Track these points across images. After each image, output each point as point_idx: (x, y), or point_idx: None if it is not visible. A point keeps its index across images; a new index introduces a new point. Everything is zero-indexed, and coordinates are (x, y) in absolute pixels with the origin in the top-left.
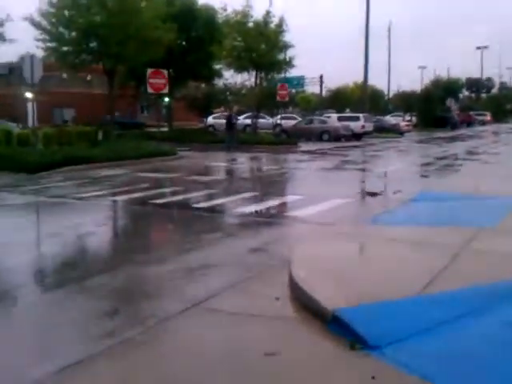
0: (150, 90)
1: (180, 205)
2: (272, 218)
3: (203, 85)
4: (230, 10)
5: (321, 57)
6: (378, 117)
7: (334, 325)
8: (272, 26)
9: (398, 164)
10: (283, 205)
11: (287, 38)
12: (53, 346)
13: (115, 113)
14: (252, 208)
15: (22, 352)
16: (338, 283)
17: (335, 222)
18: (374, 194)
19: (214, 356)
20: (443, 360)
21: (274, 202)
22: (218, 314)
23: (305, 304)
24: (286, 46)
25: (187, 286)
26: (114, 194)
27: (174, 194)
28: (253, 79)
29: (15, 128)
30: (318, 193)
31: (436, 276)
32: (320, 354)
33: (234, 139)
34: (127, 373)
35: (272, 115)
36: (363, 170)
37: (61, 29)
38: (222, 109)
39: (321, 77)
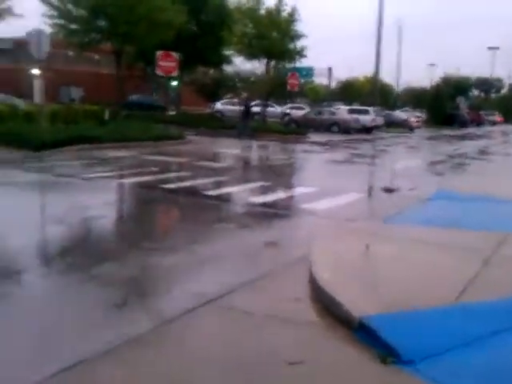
0: (159, 73)
1: (190, 191)
2: (286, 210)
3: (212, 71)
4: None
5: (330, 48)
6: (388, 111)
7: (361, 332)
8: (284, 14)
9: (411, 160)
10: (296, 197)
11: (299, 27)
12: (54, 342)
13: (137, 94)
14: (264, 198)
15: (19, 348)
16: (363, 287)
17: (353, 218)
18: (389, 190)
19: (230, 360)
20: (483, 380)
21: (286, 194)
22: (233, 314)
23: (328, 307)
24: (297, 36)
25: (200, 279)
26: (122, 176)
27: (183, 179)
28: (263, 67)
29: (22, 104)
30: (331, 186)
31: (468, 284)
32: (347, 366)
33: (248, 127)
34: (134, 376)
35: (280, 104)
36: (375, 164)
37: (69, 6)
38: (232, 95)
39: (330, 69)
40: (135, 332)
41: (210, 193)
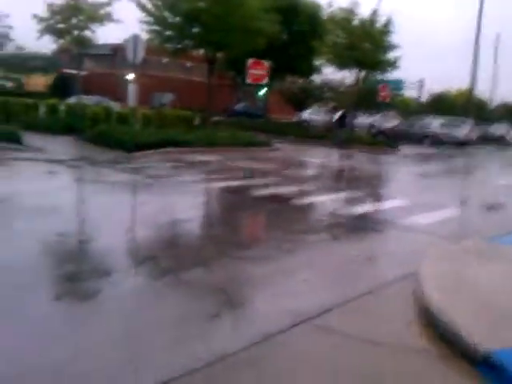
0: (249, 81)
1: (277, 198)
2: (378, 224)
3: (300, 80)
4: (335, 7)
5: (422, 59)
6: (482, 126)
7: (485, 368)
8: (378, 25)
9: (510, 177)
10: (388, 209)
11: (393, 38)
12: (143, 353)
13: (241, 103)
14: (355, 210)
15: (105, 359)
16: (485, 314)
17: (454, 235)
18: (492, 208)
19: None
20: None
21: (377, 206)
22: (331, 336)
23: (443, 335)
24: (391, 47)
25: (294, 294)
26: (210, 181)
27: (270, 186)
28: (352, 77)
29: (116, 107)
30: (424, 200)
31: None
32: None
33: (341, 136)
34: None
35: (368, 115)
36: (471, 179)
37: (165, 13)
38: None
39: (421, 81)
40: (226, 349)
41: (298, 201)
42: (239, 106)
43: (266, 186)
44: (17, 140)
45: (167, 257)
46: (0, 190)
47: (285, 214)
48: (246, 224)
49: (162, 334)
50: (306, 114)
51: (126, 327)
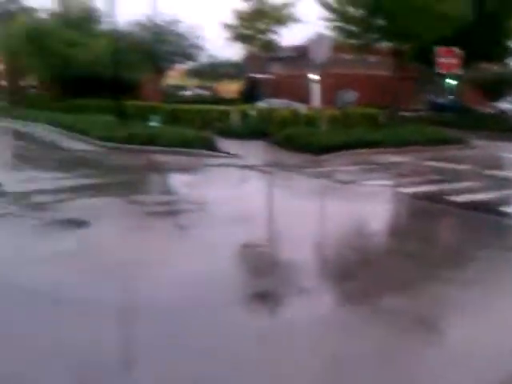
0: (439, 70)
1: (481, 206)
2: None
3: (494, 66)
4: None
5: None
6: None
7: None
8: None
9: None
10: None
11: None
12: None
13: (441, 96)
14: None
15: None
16: None
17: None
18: None
19: None
20: None
21: None
22: None
23: None
24: None
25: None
26: (402, 185)
27: (470, 190)
28: None
29: (303, 109)
30: None
31: None
32: None
33: None
34: None
35: None
36: None
37: (347, 7)
38: None
39: None
40: None
41: (506, 209)
42: (441, 100)
43: (466, 190)
44: (211, 146)
45: (362, 276)
46: (196, 198)
47: (491, 226)
48: (447, 237)
49: (363, 373)
50: (505, 104)
51: (320, 359)
